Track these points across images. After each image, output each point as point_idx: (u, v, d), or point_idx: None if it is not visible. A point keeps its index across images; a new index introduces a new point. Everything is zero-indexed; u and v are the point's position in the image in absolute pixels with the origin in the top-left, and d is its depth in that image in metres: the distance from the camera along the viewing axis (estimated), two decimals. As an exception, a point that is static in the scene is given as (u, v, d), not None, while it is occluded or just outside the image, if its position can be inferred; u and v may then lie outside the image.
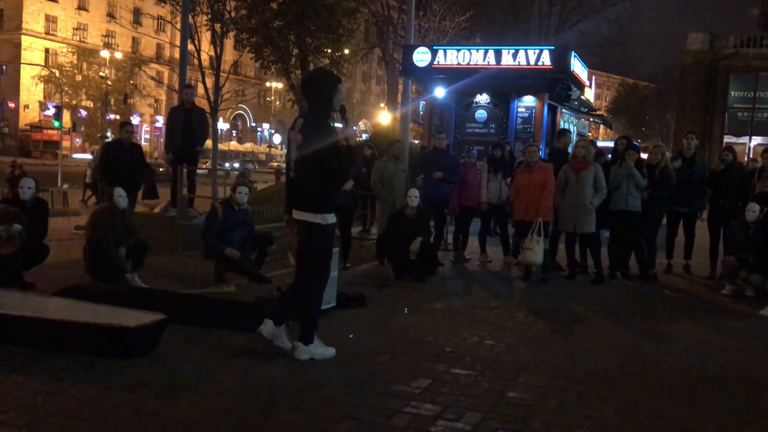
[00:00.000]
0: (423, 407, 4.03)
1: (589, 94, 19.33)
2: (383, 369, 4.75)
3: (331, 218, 4.81)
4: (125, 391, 4.09)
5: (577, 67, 16.98)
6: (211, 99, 16.89)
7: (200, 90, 15.93)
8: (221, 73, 17.07)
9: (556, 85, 16.34)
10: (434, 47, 16.96)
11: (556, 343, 5.69)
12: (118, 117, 55.19)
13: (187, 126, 9.74)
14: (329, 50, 24.86)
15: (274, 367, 4.64)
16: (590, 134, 29.88)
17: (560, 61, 15.71)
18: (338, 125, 4.83)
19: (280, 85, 53.07)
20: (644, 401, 4.35)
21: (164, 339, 4.99)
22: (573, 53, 16.46)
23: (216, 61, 17.15)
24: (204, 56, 18.23)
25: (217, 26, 17.39)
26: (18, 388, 4.05)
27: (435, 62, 16.42)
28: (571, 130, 19.08)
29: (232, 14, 19.82)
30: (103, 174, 8.69)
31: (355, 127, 28.15)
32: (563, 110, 17.82)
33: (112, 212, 6.95)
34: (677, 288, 8.48)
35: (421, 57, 16.58)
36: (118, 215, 6.98)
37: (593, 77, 26.90)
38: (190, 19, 17.30)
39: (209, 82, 18.41)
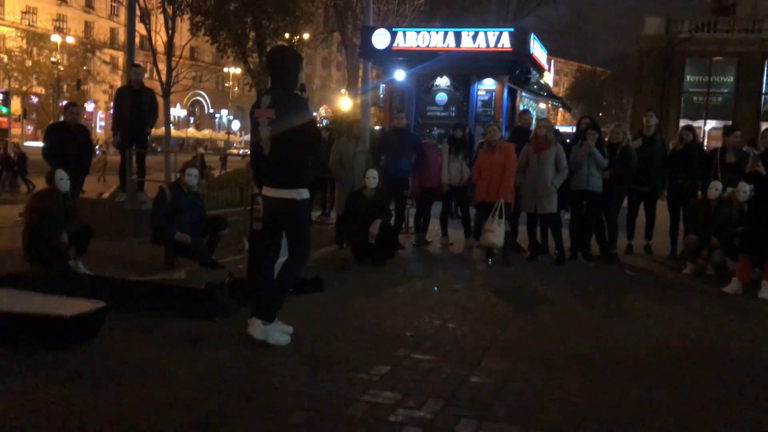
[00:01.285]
0: (382, 395, 3.81)
1: (548, 79, 19.24)
2: (340, 355, 4.51)
3: (305, 193, 4.68)
4: (59, 384, 3.78)
5: (537, 50, 16.86)
6: (164, 82, 16.36)
7: (154, 75, 15.43)
8: (173, 57, 16.53)
9: (515, 68, 16.18)
10: (393, 29, 16.64)
11: (520, 325, 5.52)
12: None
13: (136, 107, 9.31)
14: (287, 34, 24.41)
15: (222, 354, 4.37)
16: (550, 119, 29.97)
17: (520, 43, 15.53)
18: None
19: (238, 71, 52.27)
20: (610, 382, 4.20)
21: (106, 328, 4.68)
22: (533, 35, 16.31)
23: (167, 43, 16.60)
24: (159, 40, 17.71)
25: (169, 8, 16.80)
26: (-61, 384, 3.72)
27: (394, 44, 16.11)
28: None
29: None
30: (47, 157, 8.23)
31: (314, 113, 27.81)
32: (523, 93, 17.70)
33: (53, 196, 6.56)
34: (639, 268, 8.41)
35: (380, 39, 16.25)
36: (59, 199, 6.59)
37: (552, 62, 26.84)
38: (143, 2, 16.77)
39: (162, 66, 17.89)
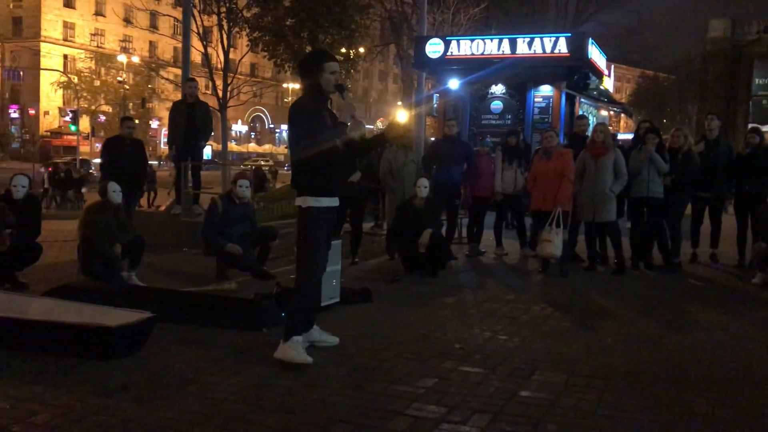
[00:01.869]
0: (426, 409, 3.67)
1: (608, 85, 18.77)
2: (385, 367, 4.38)
3: (312, 201, 4.45)
4: (102, 395, 3.77)
5: (595, 54, 16.49)
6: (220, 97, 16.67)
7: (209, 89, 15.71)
8: (231, 73, 16.82)
9: (573, 74, 15.86)
10: (447, 38, 16.57)
11: (574, 338, 5.28)
12: (137, 121, 55.48)
13: (190, 121, 9.44)
14: (343, 49, 24.57)
15: (266, 366, 4.30)
16: (611, 126, 29.29)
17: (577, 48, 15.24)
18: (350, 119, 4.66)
19: (297, 86, 52.99)
20: (671, 398, 3.94)
21: (154, 339, 4.69)
22: (590, 40, 15.96)
23: (223, 57, 16.90)
24: (219, 57, 18.03)
25: (224, 22, 17.11)
26: (-12, 394, 3.75)
27: (448, 53, 16.02)
28: (590, 121, 18.65)
29: (245, 13, 19.58)
30: (103, 170, 8.40)
31: (367, 125, 27.75)
32: (582, 99, 17.33)
33: (105, 208, 6.66)
34: (703, 278, 8.02)
35: (433, 48, 16.19)
36: (112, 211, 6.69)
37: (611, 67, 26.12)
38: (200, 20, 17.11)
39: (220, 82, 18.19)
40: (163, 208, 10.64)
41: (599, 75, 17.59)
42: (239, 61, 18.51)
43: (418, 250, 7.51)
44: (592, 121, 19.02)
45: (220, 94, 17.00)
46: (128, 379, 4.04)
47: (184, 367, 4.30)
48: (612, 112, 25.45)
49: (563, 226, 7.79)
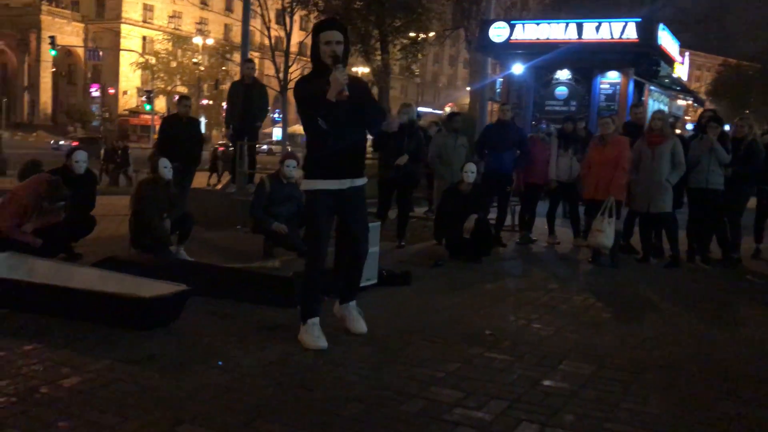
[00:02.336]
0: (443, 393, 3.64)
1: (682, 73, 18.10)
2: (410, 350, 4.37)
3: (306, 184, 4.38)
4: (131, 363, 3.89)
5: (667, 40, 15.90)
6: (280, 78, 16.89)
7: (271, 70, 15.92)
8: (292, 55, 17.03)
9: (642, 60, 15.34)
10: (512, 21, 16.27)
11: (612, 329, 5.14)
12: (210, 102, 56.76)
13: (247, 101, 9.59)
14: (412, 33, 24.45)
15: (291, 344, 4.34)
16: (687, 117, 28.23)
17: (647, 34, 14.73)
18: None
19: (366, 70, 53.20)
20: (700, 397, 3.79)
21: (190, 312, 4.81)
22: (661, 25, 15.37)
23: (286, 39, 17.10)
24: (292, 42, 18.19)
25: (287, 4, 17.30)
26: (24, 357, 3.92)
27: (512, 37, 15.75)
28: (663, 110, 18.01)
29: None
30: (159, 148, 8.64)
31: (436, 110, 27.59)
32: (651, 87, 16.77)
33: (156, 184, 6.85)
34: (764, 275, 7.67)
35: (498, 32, 15.94)
36: (163, 187, 6.87)
37: (686, 55, 24.97)
38: (266, 3, 17.35)
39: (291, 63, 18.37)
40: (219, 186, 10.87)
41: (670, 62, 16.97)
42: (300, 43, 18.70)
43: (462, 236, 7.45)
44: (663, 109, 18.48)
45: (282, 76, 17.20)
46: (158, 349, 4.16)
47: (213, 340, 4.40)
48: (690, 102, 24.54)
49: (616, 216, 7.58)
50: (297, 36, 19.86)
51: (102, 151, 21.01)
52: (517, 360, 4.26)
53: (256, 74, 9.82)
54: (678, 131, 14.54)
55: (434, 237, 8.64)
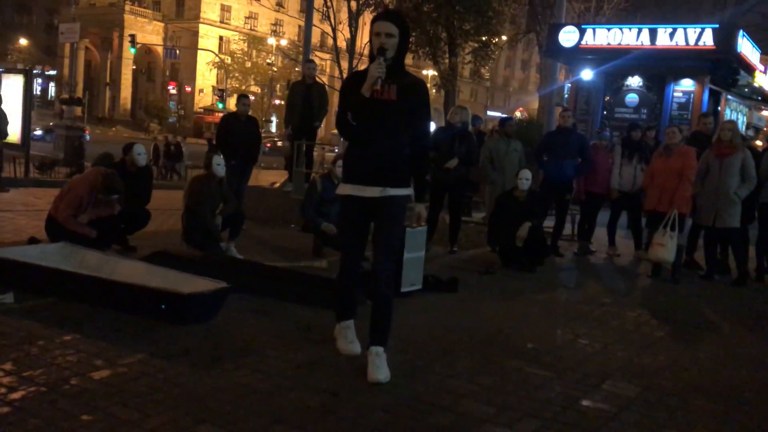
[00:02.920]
0: (474, 406, 3.51)
1: (764, 82, 17.21)
2: (447, 359, 4.25)
3: (339, 189, 4.05)
4: (165, 357, 3.91)
5: (746, 48, 15.16)
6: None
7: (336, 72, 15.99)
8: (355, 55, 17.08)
9: (720, 68, 14.69)
10: (582, 26, 15.84)
11: (664, 349, 4.89)
12: (282, 102, 57.73)
13: (307, 101, 9.61)
14: (482, 37, 24.16)
15: (325, 346, 4.28)
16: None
17: (725, 41, 14.07)
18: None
19: (435, 72, 53.08)
20: (755, 430, 3.54)
21: (232, 308, 4.84)
22: (741, 32, 14.68)
23: (350, 41, 17.15)
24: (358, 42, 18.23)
25: (353, 5, 17.34)
26: (62, 347, 3.98)
27: (582, 42, 15.33)
28: (740, 120, 17.22)
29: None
30: (217, 145, 8.74)
31: (505, 115, 27.16)
32: (729, 97, 16.06)
33: (209, 180, 6.92)
34: (840, 298, 7.19)
35: (568, 37, 15.54)
36: (215, 184, 6.94)
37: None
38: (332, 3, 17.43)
39: (355, 65, 18.40)
40: (277, 185, 10.96)
41: (751, 71, 16.19)
42: (363, 45, 18.74)
43: (516, 244, 7.25)
44: (741, 120, 17.67)
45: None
46: (194, 343, 4.17)
47: (249, 338, 4.38)
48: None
49: (679, 230, 7.24)
50: (366, 38, 19.92)
51: (151, 147, 21.62)
52: (558, 377, 4.08)
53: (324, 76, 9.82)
54: (760, 143, 13.86)
55: (488, 243, 8.46)
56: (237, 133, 8.72)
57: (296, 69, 60.04)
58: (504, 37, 28.91)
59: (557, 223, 8.71)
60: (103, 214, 6.41)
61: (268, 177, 13.72)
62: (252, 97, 57.59)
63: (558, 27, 15.95)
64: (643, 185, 8.06)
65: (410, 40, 17.09)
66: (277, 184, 11.01)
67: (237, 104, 9.02)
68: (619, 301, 6.31)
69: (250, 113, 9.23)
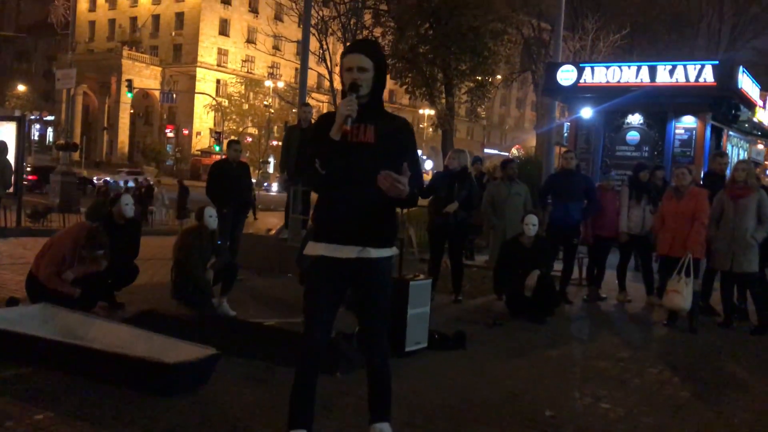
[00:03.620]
0: (492, 492, 3.12)
1: (764, 117, 17.07)
2: (456, 431, 3.86)
3: (308, 247, 3.35)
4: (145, 438, 3.53)
5: (747, 84, 15.00)
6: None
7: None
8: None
9: (721, 105, 14.50)
10: (580, 65, 15.70)
11: (694, 412, 4.50)
12: (279, 143, 57.83)
13: (302, 145, 9.33)
14: (478, 77, 24.15)
15: (331, 419, 3.90)
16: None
17: (726, 77, 13.88)
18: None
19: (431, 112, 53.31)
20: None
21: (223, 374, 4.47)
22: (741, 68, 14.53)
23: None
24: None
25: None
26: (33, 429, 3.59)
27: (581, 80, 15.15)
28: (742, 156, 16.99)
29: (380, 41, 19.71)
30: (209, 193, 8.42)
31: (503, 153, 26.97)
32: (730, 133, 15.86)
33: (201, 233, 6.58)
34: None
35: (565, 75, 15.36)
36: (207, 236, 6.60)
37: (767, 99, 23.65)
38: (327, 44, 17.31)
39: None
40: (272, 232, 10.62)
41: (751, 106, 16.01)
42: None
43: (524, 293, 6.89)
44: (742, 156, 17.45)
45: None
46: (179, 420, 3.79)
47: (239, 411, 4.00)
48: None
49: (694, 276, 6.90)
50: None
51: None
52: (582, 450, 3.70)
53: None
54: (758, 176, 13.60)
55: (494, 291, 8.09)
56: (229, 179, 8.41)
57: (293, 111, 60.41)
58: (499, 77, 28.97)
59: (565, 269, 8.35)
60: (89, 270, 6.06)
61: (266, 219, 13.42)
62: (249, 139, 57.58)
63: (555, 66, 15.80)
64: (654, 229, 7.74)
65: (406, 81, 16.86)
66: (273, 231, 10.67)
67: (228, 150, 8.70)
68: (637, 356, 5.92)
69: (248, 154, 8.94)
